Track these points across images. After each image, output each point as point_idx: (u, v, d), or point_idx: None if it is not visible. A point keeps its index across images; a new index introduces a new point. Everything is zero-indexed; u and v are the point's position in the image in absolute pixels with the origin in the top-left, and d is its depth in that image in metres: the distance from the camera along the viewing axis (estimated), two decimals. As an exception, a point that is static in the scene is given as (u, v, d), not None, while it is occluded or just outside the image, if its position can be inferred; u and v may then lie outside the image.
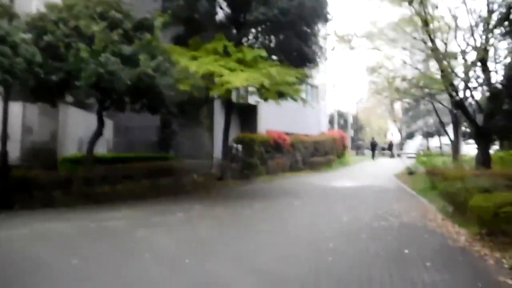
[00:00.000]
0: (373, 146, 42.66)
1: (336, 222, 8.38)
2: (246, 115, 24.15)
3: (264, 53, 13.14)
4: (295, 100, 15.20)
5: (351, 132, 44.49)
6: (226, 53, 13.54)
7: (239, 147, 20.95)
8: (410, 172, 22.27)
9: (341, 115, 48.90)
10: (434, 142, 57.60)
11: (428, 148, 51.72)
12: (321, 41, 18.73)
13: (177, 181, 15.70)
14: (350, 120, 45.77)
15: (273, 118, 25.52)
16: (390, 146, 47.63)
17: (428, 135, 48.68)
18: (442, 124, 28.49)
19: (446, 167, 18.38)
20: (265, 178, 19.75)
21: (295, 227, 8.10)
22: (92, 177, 12.36)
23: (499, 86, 15.50)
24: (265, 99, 18.96)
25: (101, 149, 17.61)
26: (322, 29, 18.67)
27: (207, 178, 17.71)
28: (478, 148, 17.70)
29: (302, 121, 30.12)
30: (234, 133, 21.87)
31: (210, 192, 14.42)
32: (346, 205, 10.77)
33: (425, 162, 22.19)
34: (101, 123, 12.29)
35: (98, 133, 12.32)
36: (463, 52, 16.80)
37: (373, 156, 41.66)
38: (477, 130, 16.75)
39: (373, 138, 49.41)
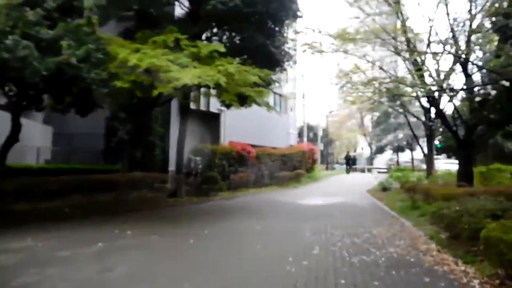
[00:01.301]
0: (348, 160, 43.99)
1: (304, 256, 6.36)
2: (208, 124, 22.08)
3: (222, 48, 11.13)
4: (258, 104, 13.24)
5: (321, 146, 43.01)
6: (178, 48, 11.45)
7: (197, 159, 18.81)
8: (384, 188, 20.71)
9: (310, 128, 47.49)
10: (404, 157, 57.23)
11: (397, 163, 50.98)
12: (290, 43, 17.00)
13: (121, 197, 13.39)
14: (320, 133, 44.33)
15: (238, 129, 23.54)
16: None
17: (398, 149, 47.85)
18: (416, 137, 27.25)
19: (427, 183, 16.85)
20: (226, 194, 17.64)
21: (248, 264, 6.03)
22: (4, 192, 9.93)
23: (486, 91, 13.96)
24: (225, 105, 17.04)
25: (30, 158, 15.09)
26: (291, 28, 16.88)
27: (159, 194, 15.46)
28: (459, 163, 16.27)
29: (269, 132, 28.29)
30: (194, 144, 19.74)
31: (155, 211, 12.17)
32: (316, 230, 8.79)
33: (399, 177, 20.61)
34: (16, 126, 9.90)
35: (12, 138, 9.91)
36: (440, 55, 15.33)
37: (347, 170, 42.41)
38: (459, 142, 15.28)
39: (348, 152, 48.75)
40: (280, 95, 31.73)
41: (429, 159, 25.04)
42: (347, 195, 18.22)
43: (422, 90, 13.34)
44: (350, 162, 45.52)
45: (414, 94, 16.70)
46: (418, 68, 13.26)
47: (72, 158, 18.28)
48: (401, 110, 29.89)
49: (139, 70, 9.75)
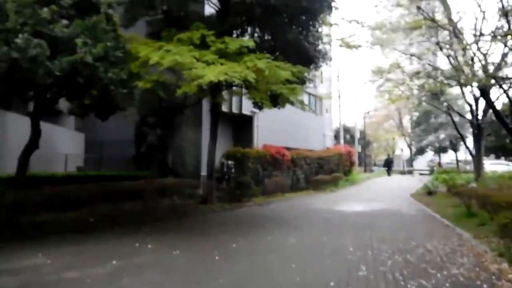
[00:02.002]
0: (389, 163, 43.31)
1: (349, 280, 5.35)
2: (241, 127, 21.27)
3: (251, 43, 10.21)
4: (291, 103, 12.27)
5: (358, 148, 41.40)
6: (205, 45, 10.66)
7: (229, 163, 17.99)
8: (429, 192, 19.20)
9: (347, 129, 45.90)
10: (445, 158, 54.44)
11: (439, 164, 48.47)
12: (324, 38, 15.93)
13: (149, 205, 12.73)
14: (357, 135, 42.70)
15: (272, 131, 22.63)
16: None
17: (440, 150, 45.44)
18: (462, 137, 25.37)
19: (482, 187, 15.31)
20: (260, 199, 16.71)
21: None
22: (25, 202, 9.42)
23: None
24: (258, 106, 16.23)
25: (60, 166, 14.74)
26: (325, 24, 15.79)
27: (189, 201, 14.74)
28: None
29: (304, 135, 27.22)
30: (226, 148, 18.97)
31: (184, 220, 11.40)
32: (360, 244, 7.71)
33: (446, 180, 19.05)
34: (36, 132, 9.38)
35: (32, 145, 9.39)
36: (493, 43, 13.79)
37: (388, 172, 41.73)
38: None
39: (388, 155, 47.29)
40: (315, 96, 30.58)
41: (477, 160, 23.16)
42: (389, 200, 16.90)
43: (476, 81, 11.86)
44: (392, 165, 43.98)
45: (466, 88, 15.12)
46: (471, 58, 11.90)
47: (104, 165, 17.98)
48: (444, 109, 28.12)
49: (161, 69, 9.01)
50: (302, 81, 14.49)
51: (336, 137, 39.64)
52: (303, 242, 8.02)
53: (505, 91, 14.48)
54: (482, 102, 22.51)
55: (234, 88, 13.00)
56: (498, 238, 7.88)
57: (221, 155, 17.66)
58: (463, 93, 23.83)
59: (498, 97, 16.94)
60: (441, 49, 16.91)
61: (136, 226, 9.86)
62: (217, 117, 15.03)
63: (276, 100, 14.79)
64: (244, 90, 13.26)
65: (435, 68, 15.97)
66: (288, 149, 21.97)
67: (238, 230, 9.48)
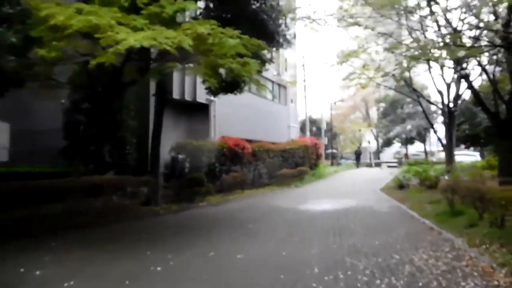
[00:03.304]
0: (358, 155, 42.89)
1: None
2: (195, 117, 19.16)
3: (193, 6, 8.17)
4: (243, 84, 10.32)
5: (325, 140, 40.01)
6: (136, 11, 8.49)
7: (180, 157, 15.88)
8: (401, 186, 17.75)
9: (313, 121, 44.51)
10: (411, 149, 54.11)
11: (406, 155, 47.92)
12: (287, 14, 14.06)
13: (74, 208, 10.49)
14: (324, 126, 41.30)
15: (231, 122, 20.63)
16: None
17: (407, 141, 44.78)
18: (432, 126, 24.20)
19: (467, 179, 13.92)
20: (216, 198, 14.73)
21: None
22: None
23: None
24: (211, 91, 14.14)
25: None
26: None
27: (131, 201, 12.57)
28: (498, 153, 13.32)
29: (267, 126, 25.35)
30: (180, 140, 16.86)
31: (113, 227, 9.24)
32: (328, 259, 5.87)
33: (419, 172, 17.68)
34: None
35: None
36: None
37: (357, 165, 41.31)
38: (500, 127, 12.32)
39: (358, 147, 46.67)
40: (279, 84, 28.78)
41: (449, 150, 22.01)
42: (359, 195, 15.27)
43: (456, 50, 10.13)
44: (360, 157, 43.25)
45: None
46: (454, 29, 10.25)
47: (38, 160, 15.48)
48: (414, 97, 26.92)
49: (68, 32, 6.80)
50: (260, 60, 12.60)
51: (302, 129, 38.10)
52: (254, 260, 6.06)
53: (483, 68, 13.00)
54: (453, 89, 21.41)
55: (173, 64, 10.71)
56: (499, 245, 6.24)
57: (170, 149, 15.52)
58: (432, 79, 22.63)
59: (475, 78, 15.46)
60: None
61: (46, 237, 7.65)
62: (162, 103, 12.92)
63: (232, 84, 12.90)
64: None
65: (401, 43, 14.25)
66: (249, 141, 20.05)
67: (174, 243, 7.42)
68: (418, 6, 12.13)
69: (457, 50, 9.75)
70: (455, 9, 11.47)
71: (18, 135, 16.49)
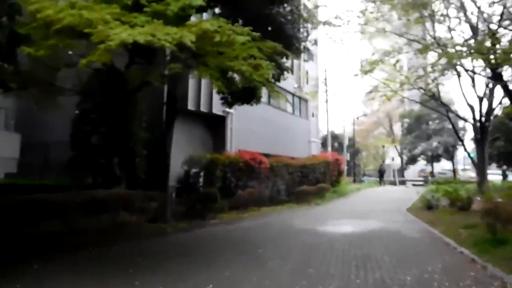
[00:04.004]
0: (382, 172, 41.68)
1: None
2: (212, 129, 18.39)
3: (199, 1, 7.34)
4: (258, 92, 9.44)
5: (347, 156, 38.66)
6: (140, 8, 7.75)
7: (194, 171, 15.06)
8: (429, 206, 16.40)
9: (335, 136, 43.27)
10: (437, 167, 52.02)
11: (432, 173, 46.00)
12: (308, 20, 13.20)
13: (75, 225, 9.71)
14: (346, 142, 39.99)
15: (249, 135, 19.80)
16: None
17: (433, 159, 42.92)
18: (462, 142, 22.72)
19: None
20: (230, 216, 13.81)
21: None
22: None
23: None
24: (226, 101, 13.38)
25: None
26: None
27: (139, 218, 11.75)
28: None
29: (287, 140, 24.37)
30: (192, 153, 16.03)
31: (111, 248, 8.38)
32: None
33: (449, 192, 16.33)
34: None
35: None
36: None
37: (380, 182, 39.99)
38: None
39: (381, 164, 45.24)
40: (301, 99, 27.85)
41: (481, 169, 20.55)
42: (384, 216, 14.07)
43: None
44: (384, 174, 41.76)
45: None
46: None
47: (48, 172, 14.97)
48: (441, 112, 25.50)
49: (57, 28, 6.06)
50: (277, 67, 11.75)
51: (324, 144, 36.94)
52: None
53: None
54: (484, 103, 20.04)
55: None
56: None
57: (183, 162, 14.71)
58: (462, 92, 21.34)
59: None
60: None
61: (30, 260, 6.83)
62: (173, 113, 12.18)
63: (247, 93, 12.08)
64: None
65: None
66: (267, 155, 19.10)
67: (169, 270, 6.47)
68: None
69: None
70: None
71: (29, 146, 16.10)
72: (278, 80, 13.25)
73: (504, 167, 29.42)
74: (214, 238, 9.93)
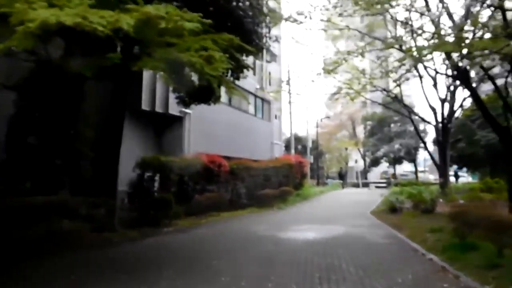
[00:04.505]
0: (342, 176, 42.91)
1: None
2: (168, 131, 17.37)
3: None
4: (213, 88, 8.61)
5: (310, 158, 38.37)
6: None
7: (148, 175, 14.03)
8: (393, 209, 16.08)
9: (298, 139, 42.95)
10: (398, 169, 52.86)
11: (394, 175, 46.59)
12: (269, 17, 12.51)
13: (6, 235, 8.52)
14: (310, 144, 39.73)
15: (208, 138, 18.90)
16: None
17: (395, 161, 43.46)
18: (425, 144, 22.75)
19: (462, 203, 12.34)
20: (187, 222, 12.90)
21: None
22: None
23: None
24: (183, 101, 12.50)
25: None
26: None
27: (83, 226, 10.61)
28: (507, 172, 11.74)
29: (249, 143, 23.63)
30: (144, 155, 14.94)
31: (42, 261, 7.30)
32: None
33: (413, 194, 16.07)
34: None
35: None
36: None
37: (343, 185, 40.59)
38: (509, 143, 10.78)
39: (341, 168, 45.91)
40: (263, 100, 27.21)
41: (443, 170, 20.60)
42: (348, 220, 13.54)
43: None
44: (345, 177, 42.32)
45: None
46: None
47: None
48: (405, 114, 25.52)
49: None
50: (237, 65, 10.97)
51: (287, 147, 36.49)
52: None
53: (488, 75, 11.50)
54: (446, 106, 20.08)
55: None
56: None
57: (134, 165, 13.64)
58: (425, 96, 21.34)
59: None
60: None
61: None
62: (121, 111, 11.11)
63: (204, 91, 11.23)
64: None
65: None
66: (228, 158, 18.28)
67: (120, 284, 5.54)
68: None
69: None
70: None
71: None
72: (237, 78, 12.49)
73: (455, 167, 29.85)
74: (164, 249, 8.98)
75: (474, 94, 11.30)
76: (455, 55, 10.97)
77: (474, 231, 8.05)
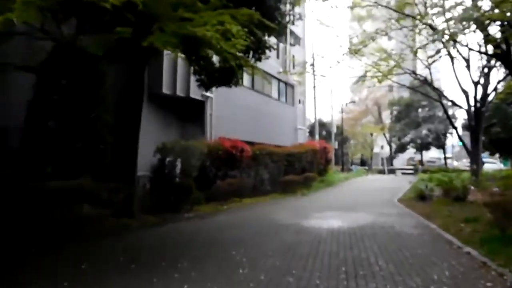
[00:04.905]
0: (364, 162, 44.35)
1: None
2: (190, 116, 17.04)
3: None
4: (234, 69, 8.12)
5: (335, 144, 37.58)
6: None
7: (169, 160, 13.75)
8: (422, 196, 15.37)
9: (323, 124, 42.15)
10: (426, 156, 51.39)
11: (421, 162, 45.33)
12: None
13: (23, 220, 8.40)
14: (334, 130, 38.88)
15: (230, 122, 18.49)
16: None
17: (422, 147, 42.14)
18: (456, 129, 21.67)
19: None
20: (208, 208, 12.63)
21: None
22: None
23: None
24: (203, 83, 12.09)
25: None
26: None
27: (104, 211, 10.45)
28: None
29: (272, 128, 23.10)
30: (167, 140, 14.66)
31: (57, 250, 7.10)
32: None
33: (444, 181, 15.31)
34: None
35: None
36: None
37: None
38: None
39: (362, 155, 45.40)
40: (286, 83, 26.54)
41: (475, 157, 19.58)
42: (375, 208, 12.97)
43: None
44: (368, 164, 41.86)
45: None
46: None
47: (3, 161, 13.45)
48: (435, 97, 24.42)
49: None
50: (259, 45, 10.48)
51: (311, 133, 35.79)
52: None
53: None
54: (479, 89, 19.02)
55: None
56: None
57: (155, 150, 13.38)
58: (457, 78, 20.24)
59: None
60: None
61: None
62: (139, 94, 10.78)
63: (224, 73, 10.80)
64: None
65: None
66: (251, 143, 17.86)
67: (114, 283, 5.22)
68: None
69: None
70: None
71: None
72: (259, 59, 11.99)
73: (486, 153, 28.53)
74: (183, 236, 8.69)
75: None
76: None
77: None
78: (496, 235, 7.29)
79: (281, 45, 25.37)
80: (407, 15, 12.60)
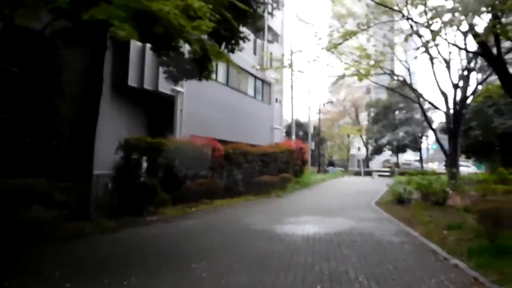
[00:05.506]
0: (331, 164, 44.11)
1: None
2: (158, 111, 16.04)
3: None
4: (205, 60, 7.25)
5: (311, 145, 37.03)
6: None
7: (134, 158, 12.74)
8: (401, 200, 14.80)
9: (300, 125, 41.59)
10: (401, 158, 51.60)
11: (396, 164, 45.35)
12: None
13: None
14: (311, 130, 38.33)
15: (203, 119, 17.58)
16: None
17: (399, 149, 42.10)
18: (434, 132, 21.31)
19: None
20: (174, 211, 11.66)
21: None
22: None
23: None
24: (172, 77, 11.19)
25: None
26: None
27: (52, 215, 9.38)
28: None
29: (247, 127, 22.28)
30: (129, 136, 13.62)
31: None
32: None
33: (423, 185, 14.79)
34: None
35: None
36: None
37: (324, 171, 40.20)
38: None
39: (331, 157, 45.98)
40: (263, 81, 25.75)
41: (453, 160, 19.26)
42: (352, 212, 12.28)
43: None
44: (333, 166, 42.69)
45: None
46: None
47: None
48: (408, 100, 24.08)
49: None
50: (232, 34, 9.63)
51: (288, 133, 35.14)
52: None
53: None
54: (458, 92, 18.70)
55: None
56: None
57: (117, 147, 12.33)
58: (436, 80, 19.92)
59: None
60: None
61: None
62: (98, 85, 9.75)
63: (198, 65, 9.92)
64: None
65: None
66: (225, 142, 16.99)
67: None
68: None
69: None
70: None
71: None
72: (232, 51, 11.15)
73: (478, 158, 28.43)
74: (138, 244, 7.72)
75: (502, 69, 9.83)
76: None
77: (506, 231, 6.83)
78: (483, 245, 6.64)
79: (258, 41, 24.59)
80: (390, 8, 11.94)
